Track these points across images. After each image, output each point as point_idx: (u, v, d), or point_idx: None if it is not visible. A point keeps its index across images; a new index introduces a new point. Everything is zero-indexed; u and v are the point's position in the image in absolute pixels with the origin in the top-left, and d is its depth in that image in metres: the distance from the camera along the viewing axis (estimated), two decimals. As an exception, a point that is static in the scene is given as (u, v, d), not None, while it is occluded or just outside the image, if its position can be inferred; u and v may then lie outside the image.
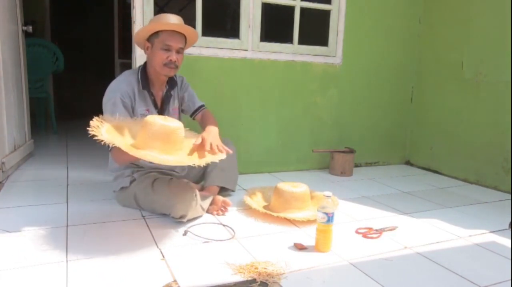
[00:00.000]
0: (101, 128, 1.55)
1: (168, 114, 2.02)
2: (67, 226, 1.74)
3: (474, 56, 2.84)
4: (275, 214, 1.91)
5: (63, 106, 5.49)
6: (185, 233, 1.70)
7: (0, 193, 2.16)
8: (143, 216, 1.90)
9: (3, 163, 2.36)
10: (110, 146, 1.60)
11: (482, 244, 1.77)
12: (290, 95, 2.90)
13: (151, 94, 1.96)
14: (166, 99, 2.02)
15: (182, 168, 2.15)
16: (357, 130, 3.18)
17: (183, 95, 2.13)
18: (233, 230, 1.76)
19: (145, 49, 1.93)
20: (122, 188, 1.98)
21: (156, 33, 1.85)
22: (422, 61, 3.25)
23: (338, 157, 2.91)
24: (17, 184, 2.35)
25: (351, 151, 2.99)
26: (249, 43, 2.71)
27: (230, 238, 1.69)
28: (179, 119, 2.10)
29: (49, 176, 2.52)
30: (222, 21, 4.84)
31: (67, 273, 1.34)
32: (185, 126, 1.74)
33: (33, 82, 3.78)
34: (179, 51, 1.88)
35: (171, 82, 2.03)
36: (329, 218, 1.59)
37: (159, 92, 2.01)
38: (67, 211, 1.92)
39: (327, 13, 2.95)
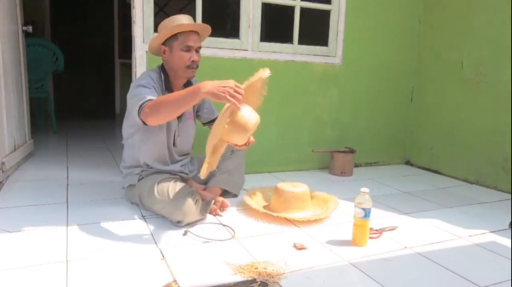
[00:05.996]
0: None
1: (184, 120, 1.99)
2: (67, 226, 1.74)
3: (474, 56, 2.84)
4: (275, 214, 1.92)
5: (63, 106, 5.48)
6: (185, 233, 1.70)
7: (0, 193, 2.16)
8: (143, 216, 1.90)
9: (3, 163, 2.36)
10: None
11: (482, 244, 1.77)
12: (290, 95, 2.90)
13: None
14: None
15: (191, 170, 2.16)
16: (357, 130, 3.18)
17: (203, 101, 2.07)
18: (233, 230, 1.76)
19: (162, 54, 1.88)
20: (130, 185, 2.00)
21: (173, 36, 1.81)
22: (422, 61, 3.25)
23: (338, 157, 2.91)
24: (17, 184, 2.35)
25: (351, 151, 2.99)
26: (249, 43, 2.71)
27: (230, 238, 1.69)
28: (194, 124, 2.09)
29: (49, 176, 2.52)
30: (222, 21, 4.84)
31: (67, 273, 1.34)
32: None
33: (33, 82, 3.78)
34: (198, 51, 1.86)
35: (188, 86, 1.95)
36: (366, 213, 1.65)
37: None
38: (67, 211, 1.92)
39: (327, 13, 2.95)
